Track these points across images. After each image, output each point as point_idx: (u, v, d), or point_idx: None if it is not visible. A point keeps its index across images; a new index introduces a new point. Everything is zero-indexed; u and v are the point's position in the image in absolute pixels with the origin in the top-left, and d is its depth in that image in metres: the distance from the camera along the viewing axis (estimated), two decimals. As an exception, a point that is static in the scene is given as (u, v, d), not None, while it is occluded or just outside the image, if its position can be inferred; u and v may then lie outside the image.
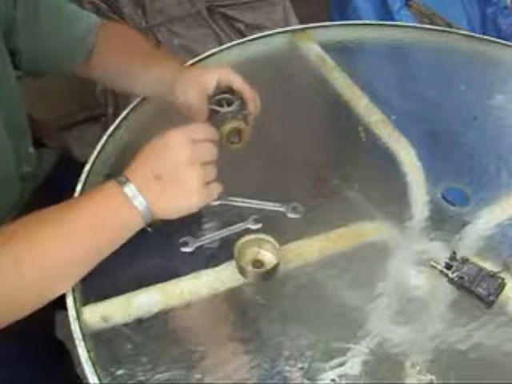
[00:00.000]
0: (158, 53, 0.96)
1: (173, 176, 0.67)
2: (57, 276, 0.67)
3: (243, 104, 0.81)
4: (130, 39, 0.94)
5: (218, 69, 0.83)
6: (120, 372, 0.65)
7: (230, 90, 0.82)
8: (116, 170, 0.84)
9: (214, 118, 0.80)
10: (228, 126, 0.78)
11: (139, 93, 0.94)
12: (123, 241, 0.69)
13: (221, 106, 0.80)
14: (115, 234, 0.68)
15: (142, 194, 0.66)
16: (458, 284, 0.73)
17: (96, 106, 1.64)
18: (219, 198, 0.81)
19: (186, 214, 0.70)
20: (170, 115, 0.89)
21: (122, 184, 0.67)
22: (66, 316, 0.69)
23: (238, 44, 1.09)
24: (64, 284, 0.68)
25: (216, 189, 0.71)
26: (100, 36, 0.91)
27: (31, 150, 0.95)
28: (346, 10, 1.67)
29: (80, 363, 0.66)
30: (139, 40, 0.95)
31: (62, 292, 0.68)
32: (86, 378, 0.65)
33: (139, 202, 0.66)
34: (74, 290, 0.70)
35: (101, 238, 0.68)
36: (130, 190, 0.66)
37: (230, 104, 0.80)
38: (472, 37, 1.14)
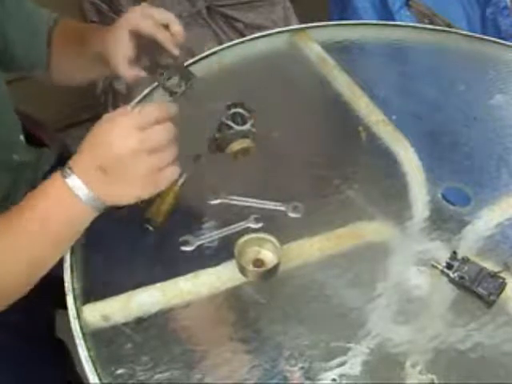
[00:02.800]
0: (86, 31, 0.90)
1: (117, 168, 0.65)
2: (6, 272, 0.67)
3: (254, 122, 0.81)
4: (66, 31, 0.92)
5: (126, 20, 0.80)
6: (120, 371, 0.65)
7: (244, 105, 0.82)
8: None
9: (225, 133, 0.81)
10: (238, 145, 0.79)
11: (88, 79, 0.96)
12: (77, 233, 0.69)
13: (234, 119, 0.80)
14: (63, 226, 0.67)
15: (86, 185, 0.65)
16: (459, 284, 0.73)
17: (96, 106, 1.64)
18: (220, 197, 0.81)
19: (136, 201, 0.68)
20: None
21: (65, 175, 0.65)
22: (66, 315, 0.69)
23: (238, 44, 1.09)
24: (17, 283, 0.68)
25: (170, 174, 0.67)
26: (54, 36, 0.92)
27: (22, 137, 0.95)
28: (345, 9, 1.67)
29: (80, 362, 0.65)
30: (72, 27, 0.93)
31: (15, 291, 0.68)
32: (85, 377, 0.65)
33: (83, 194, 0.65)
34: (74, 289, 0.70)
35: (49, 230, 0.67)
36: (72, 181, 0.65)
37: (243, 119, 0.80)
38: (472, 37, 1.14)
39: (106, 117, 0.67)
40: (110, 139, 0.65)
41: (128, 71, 0.79)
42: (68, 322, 0.68)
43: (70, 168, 0.66)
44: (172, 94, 0.79)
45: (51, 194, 0.66)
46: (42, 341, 0.92)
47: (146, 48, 0.81)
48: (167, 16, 0.80)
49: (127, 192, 0.67)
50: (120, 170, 0.65)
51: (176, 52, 0.79)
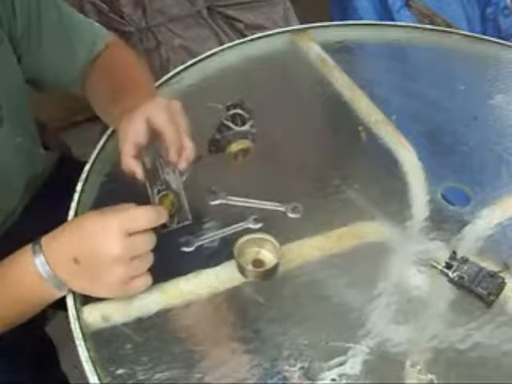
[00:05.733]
0: (129, 94, 0.81)
1: (92, 266, 0.63)
2: None
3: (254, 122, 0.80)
4: (118, 80, 0.86)
5: (143, 112, 0.72)
6: (120, 371, 0.65)
7: (243, 105, 0.81)
8: (116, 170, 0.85)
9: (224, 134, 0.81)
10: (238, 146, 0.79)
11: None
12: (40, 305, 0.69)
13: (234, 120, 0.80)
14: (27, 297, 0.67)
15: (53, 269, 0.64)
16: (458, 284, 0.73)
17: (91, 108, 1.64)
18: (220, 198, 0.81)
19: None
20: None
21: (35, 251, 0.64)
22: (63, 316, 0.69)
23: (238, 44, 1.09)
24: None
25: (141, 285, 0.66)
26: (95, 64, 0.89)
27: (42, 150, 0.95)
28: (346, 9, 1.67)
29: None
30: (126, 80, 0.85)
31: None
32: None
33: (47, 275, 0.64)
34: (74, 289, 0.70)
35: (14, 299, 0.68)
36: (40, 260, 0.64)
37: (243, 120, 0.80)
38: (472, 37, 1.14)
39: (95, 212, 0.66)
40: (94, 238, 0.63)
41: (128, 161, 0.71)
42: (63, 322, 0.68)
43: (40, 246, 0.65)
44: None
45: (19, 266, 0.66)
46: (34, 338, 0.93)
47: (153, 145, 0.73)
48: (186, 128, 0.73)
49: (93, 288, 0.66)
50: (94, 269, 0.63)
51: (174, 160, 0.71)
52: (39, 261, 0.64)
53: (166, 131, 0.71)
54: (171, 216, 0.71)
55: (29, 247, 0.65)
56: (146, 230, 0.64)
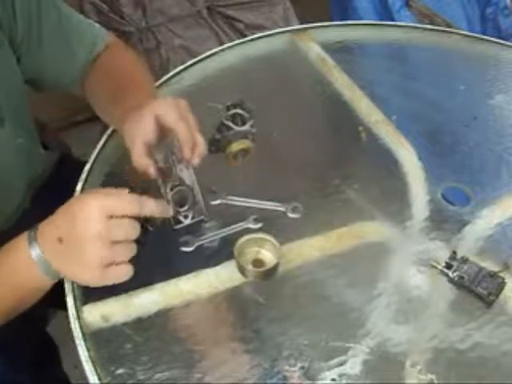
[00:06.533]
0: (130, 94, 0.81)
1: (74, 245, 0.63)
2: None
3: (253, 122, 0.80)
4: (118, 80, 0.86)
5: (154, 105, 0.73)
6: (120, 371, 0.65)
7: (243, 105, 0.81)
8: (116, 170, 0.85)
9: (224, 134, 0.81)
10: (238, 146, 0.79)
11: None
12: (38, 292, 0.69)
13: (234, 120, 0.80)
14: (23, 284, 0.68)
15: (44, 253, 0.64)
16: (458, 284, 0.73)
17: (91, 108, 1.63)
18: (220, 198, 0.81)
19: (85, 284, 0.67)
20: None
21: (30, 237, 0.65)
22: (63, 315, 0.69)
23: (238, 44, 1.09)
24: None
25: (122, 273, 0.65)
26: (95, 65, 0.89)
27: (42, 150, 0.96)
28: (346, 10, 1.67)
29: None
30: (125, 80, 0.85)
31: None
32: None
33: (39, 260, 0.65)
34: (74, 289, 0.70)
35: (12, 286, 0.68)
36: (33, 245, 0.65)
37: (243, 120, 0.80)
38: (472, 37, 1.15)
39: (82, 194, 0.66)
40: (75, 215, 0.63)
41: (140, 159, 0.71)
42: (63, 321, 0.68)
43: (35, 232, 0.65)
44: (173, 218, 0.73)
45: (17, 252, 0.66)
46: (35, 338, 0.93)
47: (165, 143, 0.73)
48: (195, 124, 0.73)
49: (76, 272, 0.65)
50: (76, 248, 0.63)
51: (189, 156, 0.71)
52: (33, 247, 0.65)
53: (178, 129, 0.71)
54: (185, 212, 0.72)
55: (25, 234, 0.66)
56: (129, 217, 0.64)
